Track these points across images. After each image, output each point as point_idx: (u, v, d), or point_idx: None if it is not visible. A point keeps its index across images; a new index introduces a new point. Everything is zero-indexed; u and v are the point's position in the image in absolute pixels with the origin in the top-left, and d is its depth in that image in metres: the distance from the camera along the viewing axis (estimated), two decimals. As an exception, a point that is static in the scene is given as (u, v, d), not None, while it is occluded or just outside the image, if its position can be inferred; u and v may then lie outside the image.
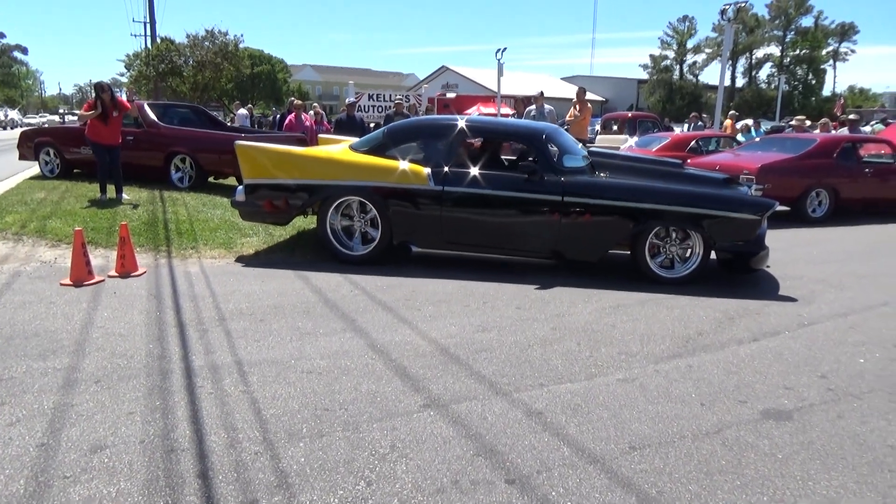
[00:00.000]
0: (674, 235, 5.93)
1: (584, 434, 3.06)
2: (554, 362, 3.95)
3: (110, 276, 5.61)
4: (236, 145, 6.56)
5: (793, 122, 16.34)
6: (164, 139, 10.68)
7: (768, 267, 6.34)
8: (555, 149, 6.23)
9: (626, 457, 2.86)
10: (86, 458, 2.72)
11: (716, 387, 3.65)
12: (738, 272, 6.19)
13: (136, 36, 54.78)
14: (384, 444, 2.90)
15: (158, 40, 32.75)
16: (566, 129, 10.58)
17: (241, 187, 6.64)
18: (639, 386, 3.64)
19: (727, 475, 2.74)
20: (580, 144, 7.34)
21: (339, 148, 6.98)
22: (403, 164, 6.18)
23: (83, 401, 3.25)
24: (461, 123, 6.37)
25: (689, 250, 5.94)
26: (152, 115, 10.82)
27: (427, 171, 6.10)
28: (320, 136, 10.23)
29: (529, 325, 4.67)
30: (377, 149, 6.48)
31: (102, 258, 6.25)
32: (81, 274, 5.39)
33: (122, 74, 34.62)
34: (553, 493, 2.57)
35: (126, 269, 5.69)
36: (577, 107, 12.05)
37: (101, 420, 3.05)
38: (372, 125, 16.09)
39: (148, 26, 33.46)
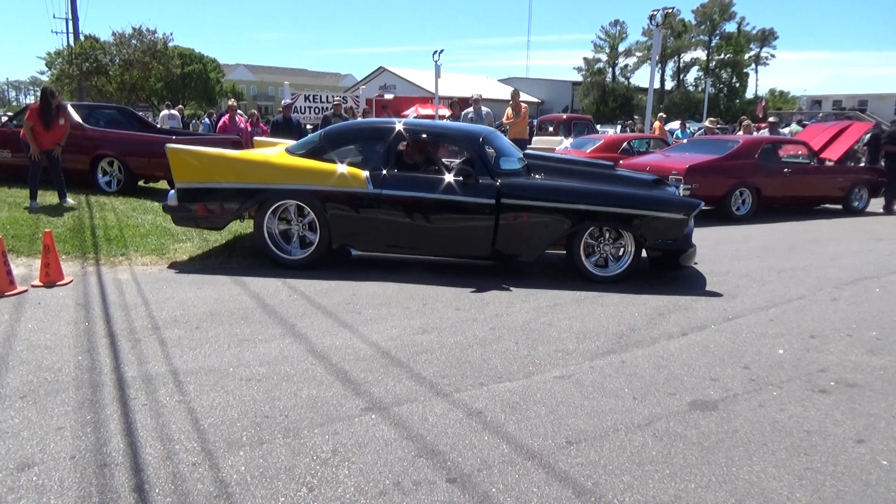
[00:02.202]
0: (607, 235, 6.12)
1: (523, 431, 3.14)
2: (493, 362, 4.03)
3: (34, 286, 5.37)
4: (168, 148, 6.38)
5: (705, 125, 17.28)
6: (90, 142, 10.29)
7: (696, 263, 6.63)
8: (492, 151, 6.33)
9: (562, 451, 2.96)
10: (12, 478, 2.61)
11: (647, 381, 3.80)
12: (667, 269, 6.44)
13: (57, 33, 52.31)
14: (326, 450, 2.90)
15: (82, 38, 31.37)
16: (503, 131, 10.75)
17: (172, 191, 6.47)
18: (575, 382, 3.75)
19: (658, 465, 2.86)
20: (516, 147, 7.47)
21: (276, 151, 6.88)
22: (342, 168, 6.16)
23: (8, 417, 3.11)
24: (399, 126, 6.40)
25: (622, 249, 6.14)
26: (76, 117, 10.39)
27: (365, 174, 6.09)
28: (256, 138, 10.03)
29: (469, 325, 4.73)
30: (314, 152, 6.43)
31: (25, 267, 5.97)
32: (2, 284, 5.14)
33: (42, 73, 32.99)
34: (493, 490, 2.63)
35: (51, 278, 5.45)
36: (514, 109, 12.25)
37: (29, 437, 2.93)
38: (309, 127, 15.93)
39: (70, 23, 32.03)
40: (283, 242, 6.34)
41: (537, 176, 6.48)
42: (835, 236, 9.42)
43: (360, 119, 14.47)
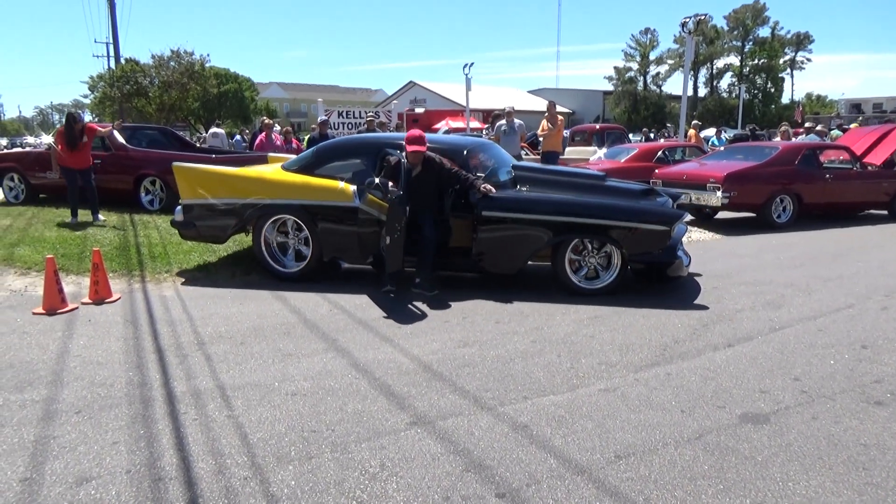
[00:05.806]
0: (590, 247, 6.00)
1: (570, 445, 3.11)
2: (536, 375, 4.01)
3: (84, 304, 5.52)
4: (174, 166, 6.70)
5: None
6: (133, 162, 10.62)
7: (699, 276, 6.52)
8: (476, 164, 6.31)
9: (611, 466, 2.92)
10: (72, 491, 2.68)
11: (694, 393, 3.74)
12: (656, 282, 6.30)
13: (98, 57, 54.12)
14: (374, 464, 2.92)
15: (122, 61, 32.34)
16: (537, 142, 10.69)
17: (179, 207, 6.73)
18: (620, 395, 3.71)
19: (710, 480, 2.81)
20: (517, 157, 7.35)
21: (273, 167, 7.07)
22: (330, 182, 6.24)
23: (65, 432, 3.20)
24: (384, 140, 6.48)
25: (608, 261, 6.02)
26: (120, 138, 10.73)
27: (353, 188, 6.10)
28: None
29: (510, 338, 4.72)
30: (307, 167, 6.57)
31: (74, 285, 6.15)
32: (54, 302, 5.31)
33: (85, 96, 33.95)
34: (543, 506, 2.61)
35: (100, 295, 5.61)
36: (549, 120, 12.23)
37: (85, 451, 3.01)
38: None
39: (111, 47, 33.05)
40: (280, 255, 6.49)
41: (523, 188, 6.42)
42: (881, 243, 9.15)
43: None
